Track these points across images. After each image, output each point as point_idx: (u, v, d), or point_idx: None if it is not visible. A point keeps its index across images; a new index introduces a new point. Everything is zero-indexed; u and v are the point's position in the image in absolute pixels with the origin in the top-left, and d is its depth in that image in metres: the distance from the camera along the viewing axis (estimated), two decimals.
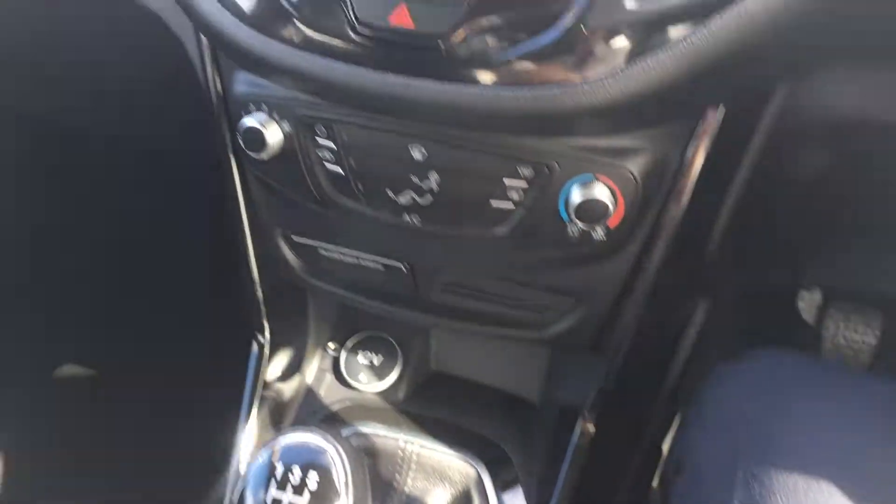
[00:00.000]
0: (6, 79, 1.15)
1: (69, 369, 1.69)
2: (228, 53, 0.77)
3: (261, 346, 1.05)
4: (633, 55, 0.61)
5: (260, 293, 1.01)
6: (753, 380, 0.79)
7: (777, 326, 1.31)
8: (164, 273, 1.63)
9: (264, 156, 0.78)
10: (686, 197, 0.76)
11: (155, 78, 0.96)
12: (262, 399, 1.06)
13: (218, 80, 0.83)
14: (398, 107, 0.67)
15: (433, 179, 0.76)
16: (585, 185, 0.72)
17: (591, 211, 0.72)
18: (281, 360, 1.10)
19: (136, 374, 1.58)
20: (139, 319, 1.66)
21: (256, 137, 0.77)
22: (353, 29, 0.65)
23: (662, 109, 0.68)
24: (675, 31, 0.60)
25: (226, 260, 1.01)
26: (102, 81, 1.06)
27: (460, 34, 0.62)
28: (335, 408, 1.08)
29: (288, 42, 0.68)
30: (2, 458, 1.55)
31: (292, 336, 1.10)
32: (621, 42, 0.61)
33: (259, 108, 0.78)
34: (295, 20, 0.67)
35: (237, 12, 0.69)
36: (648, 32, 0.61)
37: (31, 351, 1.64)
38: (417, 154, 0.75)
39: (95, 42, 0.98)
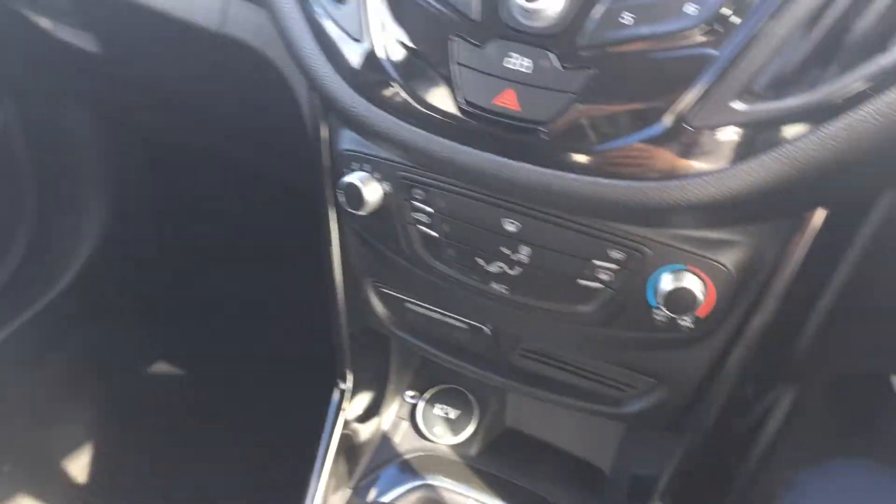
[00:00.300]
0: (177, 117, 1.24)
1: (164, 367, 1.78)
2: (337, 114, 0.80)
3: (342, 393, 1.08)
4: (737, 156, 0.60)
5: (346, 340, 1.04)
6: (831, 495, 0.76)
7: (867, 409, 1.26)
8: (260, 299, 1.69)
9: (362, 212, 0.81)
10: (781, 292, 0.75)
11: (273, 121, 1.00)
12: (340, 438, 1.08)
13: (326, 134, 0.87)
14: (496, 185, 0.69)
15: (524, 252, 0.77)
16: (676, 273, 0.72)
17: (680, 300, 0.71)
18: (361, 401, 1.13)
19: (226, 390, 1.64)
20: (231, 342, 1.72)
21: (356, 195, 0.80)
22: (460, 107, 0.67)
23: (762, 209, 0.67)
24: (783, 135, 0.59)
25: (315, 302, 1.04)
26: (237, 121, 1.13)
27: (564, 122, 0.63)
28: (409, 456, 1.10)
29: (394, 113, 0.70)
30: (91, 447, 1.63)
31: (373, 380, 1.13)
32: (725, 142, 0.60)
33: (361, 167, 0.81)
34: (403, 93, 0.69)
35: (350, 79, 0.72)
36: (754, 134, 0.60)
37: (135, 350, 1.73)
38: (510, 227, 0.76)
39: (232, 90, 1.04)
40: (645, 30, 0.60)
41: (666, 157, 0.62)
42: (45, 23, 1.17)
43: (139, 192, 1.65)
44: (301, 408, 1.15)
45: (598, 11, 0.60)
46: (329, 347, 1.07)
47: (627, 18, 0.60)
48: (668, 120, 0.61)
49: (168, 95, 1.21)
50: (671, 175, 0.62)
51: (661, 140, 0.61)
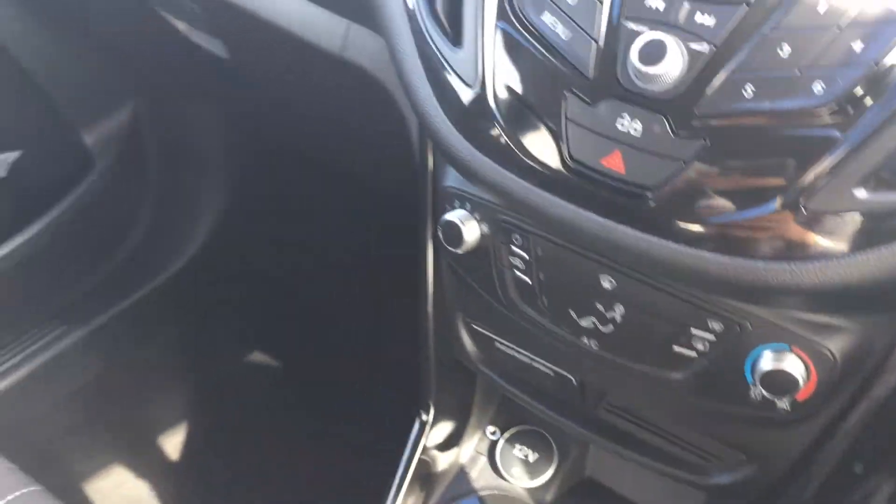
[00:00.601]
0: (292, 126, 1.29)
1: (255, 363, 1.83)
2: (441, 153, 0.80)
3: (423, 424, 1.08)
4: (854, 245, 0.57)
5: (433, 371, 1.04)
6: None
7: None
8: (353, 312, 1.72)
9: (459, 250, 0.81)
10: (890, 382, 0.70)
11: (383, 146, 1.02)
12: (418, 463, 1.09)
13: (432, 168, 0.87)
14: (593, 244, 0.67)
15: (618, 311, 0.75)
16: (778, 353, 0.68)
17: (778, 382, 0.68)
18: (443, 429, 1.13)
19: (310, 395, 1.68)
20: (323, 349, 1.76)
21: (454, 233, 0.80)
22: (564, 164, 0.65)
23: (877, 301, 0.63)
24: None
25: (405, 329, 1.05)
26: (349, 140, 1.15)
27: (669, 190, 0.61)
28: (483, 493, 1.09)
29: (498, 160, 0.69)
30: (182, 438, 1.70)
31: (456, 410, 1.12)
32: (842, 230, 0.57)
33: (462, 205, 0.81)
34: (509, 142, 0.68)
35: (457, 122, 0.71)
36: (875, 223, 0.56)
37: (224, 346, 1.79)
38: (606, 283, 0.74)
39: (347, 110, 1.06)
40: (766, 104, 0.57)
41: (776, 239, 0.59)
42: (182, 26, 1.22)
43: (251, 192, 1.71)
44: (383, 423, 1.15)
45: (718, 80, 0.58)
46: (415, 369, 1.07)
47: (749, 91, 0.57)
48: (781, 200, 0.57)
49: (286, 105, 1.25)
50: (780, 257, 0.59)
51: (772, 220, 0.58)
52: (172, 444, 1.71)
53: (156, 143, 1.63)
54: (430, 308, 0.98)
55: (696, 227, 0.61)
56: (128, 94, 1.56)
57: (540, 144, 0.66)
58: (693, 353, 0.73)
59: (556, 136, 0.65)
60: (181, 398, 1.78)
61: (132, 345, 1.71)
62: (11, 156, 1.44)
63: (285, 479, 1.60)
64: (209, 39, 1.21)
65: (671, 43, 0.58)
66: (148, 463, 1.68)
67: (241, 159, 1.67)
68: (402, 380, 1.14)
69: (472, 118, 0.70)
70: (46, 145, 1.50)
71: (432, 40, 0.72)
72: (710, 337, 0.71)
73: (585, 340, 0.79)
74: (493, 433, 1.14)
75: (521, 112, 0.67)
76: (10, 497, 0.94)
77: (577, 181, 0.65)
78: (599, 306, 0.75)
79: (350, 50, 0.93)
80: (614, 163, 0.63)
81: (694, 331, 0.71)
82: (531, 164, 0.67)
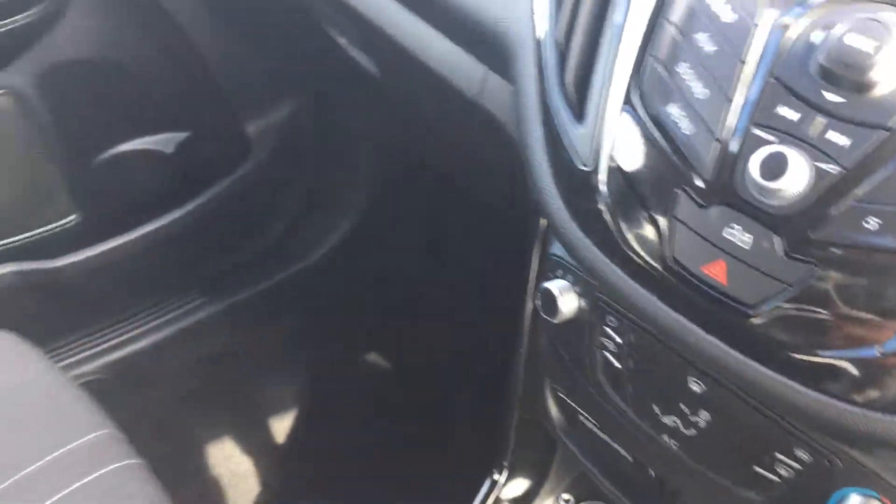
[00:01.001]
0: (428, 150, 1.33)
1: (361, 365, 1.88)
2: (547, 221, 0.79)
3: (493, 483, 1.07)
4: None
5: (513, 433, 1.03)
6: None
7: None
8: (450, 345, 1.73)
9: (555, 320, 0.79)
10: None
11: (504, 197, 1.02)
12: None
13: (544, 231, 0.86)
14: (681, 347, 0.65)
15: (702, 417, 0.71)
16: (865, 499, 0.63)
17: None
18: (520, 485, 1.11)
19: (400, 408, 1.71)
20: (422, 376, 1.79)
21: (551, 302, 0.78)
22: (664, 263, 0.62)
23: None
24: None
25: (490, 383, 1.04)
26: (474, 183, 1.16)
27: (769, 312, 0.57)
28: None
29: (598, 245, 0.67)
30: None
31: (531, 472, 1.10)
32: None
33: (564, 276, 0.79)
34: (612, 229, 0.66)
35: (566, 198, 0.70)
36: None
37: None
38: (695, 386, 0.71)
39: (475, 152, 1.08)
40: (889, 241, 0.52)
41: (875, 386, 0.54)
42: (342, 42, 1.29)
43: (387, 201, 1.76)
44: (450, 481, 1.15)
45: (841, 206, 0.53)
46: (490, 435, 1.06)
47: (872, 223, 0.52)
48: (886, 347, 0.53)
49: (425, 128, 1.28)
50: (877, 406, 0.54)
51: (874, 366, 0.54)
52: (281, 425, 1.77)
53: (308, 142, 1.70)
54: (520, 369, 0.97)
55: (790, 356, 0.57)
56: (290, 93, 1.64)
57: (642, 238, 0.64)
58: (775, 478, 0.68)
59: (660, 233, 0.62)
60: (293, 383, 1.84)
61: (257, 326, 1.78)
62: (180, 136, 1.55)
63: (372, 477, 1.63)
64: (364, 57, 1.26)
65: (797, 158, 0.54)
66: (255, 441, 1.75)
67: (382, 168, 1.72)
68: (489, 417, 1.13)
69: (581, 196, 0.68)
70: (212, 131, 1.60)
71: (556, 111, 0.71)
72: (796, 465, 0.66)
73: (666, 439, 0.76)
74: (567, 501, 1.12)
75: (630, 201, 0.65)
76: (108, 468, 0.98)
77: (675, 282, 0.62)
78: (684, 408, 0.72)
79: (485, 96, 0.93)
80: (716, 272, 0.59)
81: (779, 455, 0.67)
82: (630, 254, 0.65)
